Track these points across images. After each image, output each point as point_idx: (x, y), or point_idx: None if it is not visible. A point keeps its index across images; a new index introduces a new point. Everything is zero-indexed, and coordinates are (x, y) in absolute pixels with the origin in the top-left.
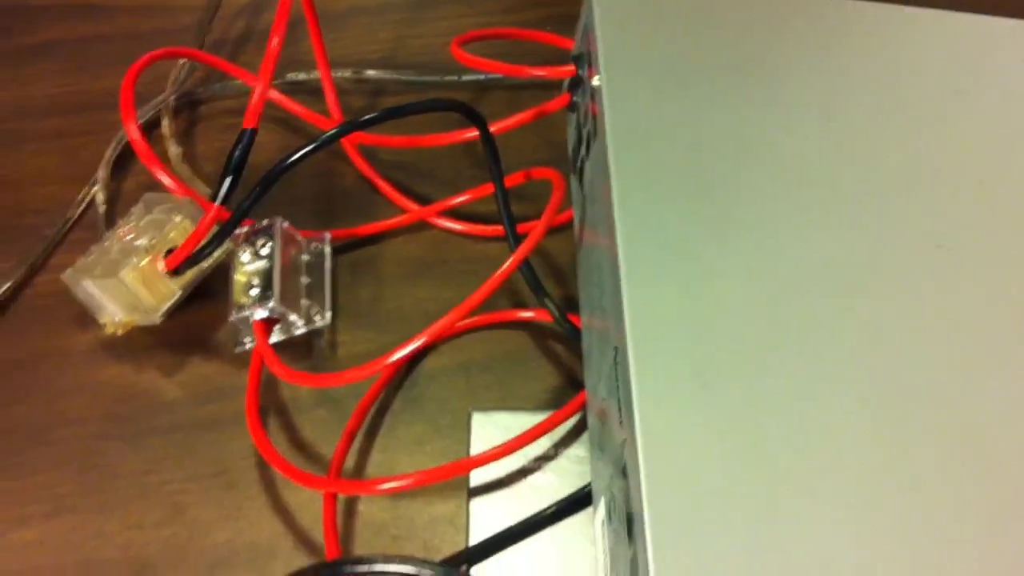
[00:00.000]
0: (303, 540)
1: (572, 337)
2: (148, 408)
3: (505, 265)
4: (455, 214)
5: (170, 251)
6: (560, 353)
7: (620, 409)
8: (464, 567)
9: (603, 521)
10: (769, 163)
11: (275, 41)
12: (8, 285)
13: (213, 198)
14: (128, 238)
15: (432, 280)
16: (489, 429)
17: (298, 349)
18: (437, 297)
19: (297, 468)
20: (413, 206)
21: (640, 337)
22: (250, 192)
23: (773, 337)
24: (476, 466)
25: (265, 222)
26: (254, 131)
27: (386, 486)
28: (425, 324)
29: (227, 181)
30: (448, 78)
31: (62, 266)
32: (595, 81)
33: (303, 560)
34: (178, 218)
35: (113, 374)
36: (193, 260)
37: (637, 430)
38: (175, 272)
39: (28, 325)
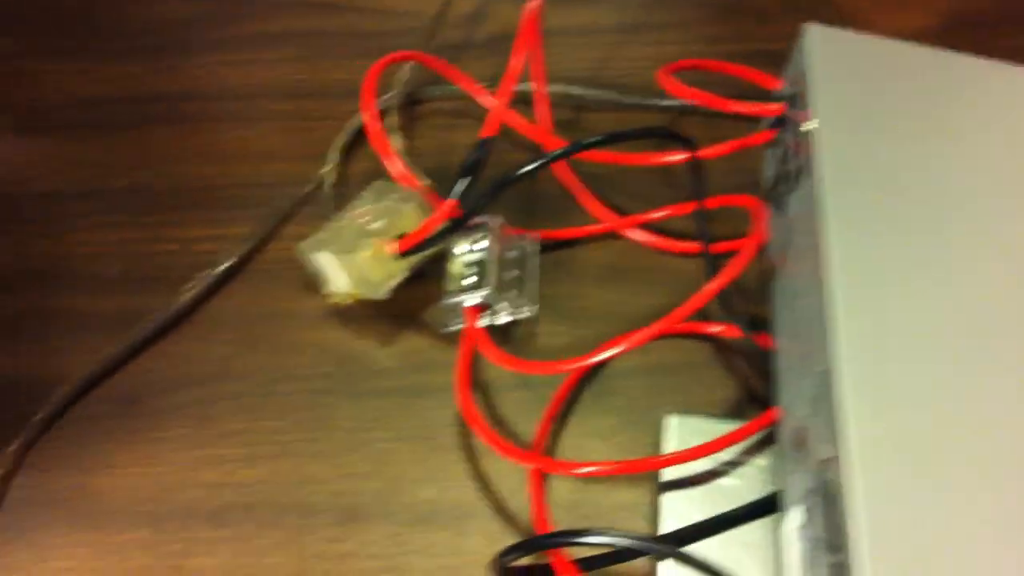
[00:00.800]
0: (500, 507)
1: (758, 354)
2: (364, 371)
3: (713, 282)
4: (646, 227)
5: (400, 236)
6: (740, 367)
7: (825, 429)
8: (675, 546)
9: (796, 528)
10: (972, 210)
11: (518, 60)
12: (246, 250)
13: (445, 194)
14: (363, 220)
15: (621, 286)
16: (683, 431)
17: (495, 336)
18: (627, 302)
19: (504, 440)
20: (611, 217)
21: (852, 363)
22: (481, 193)
23: (982, 364)
24: (676, 463)
25: (483, 218)
26: (493, 139)
27: (587, 470)
28: (615, 324)
29: (464, 181)
30: (649, 101)
31: (291, 236)
32: (808, 125)
33: (500, 525)
34: (408, 207)
35: (335, 338)
36: (422, 246)
37: (848, 449)
38: (403, 255)
39: (260, 287)
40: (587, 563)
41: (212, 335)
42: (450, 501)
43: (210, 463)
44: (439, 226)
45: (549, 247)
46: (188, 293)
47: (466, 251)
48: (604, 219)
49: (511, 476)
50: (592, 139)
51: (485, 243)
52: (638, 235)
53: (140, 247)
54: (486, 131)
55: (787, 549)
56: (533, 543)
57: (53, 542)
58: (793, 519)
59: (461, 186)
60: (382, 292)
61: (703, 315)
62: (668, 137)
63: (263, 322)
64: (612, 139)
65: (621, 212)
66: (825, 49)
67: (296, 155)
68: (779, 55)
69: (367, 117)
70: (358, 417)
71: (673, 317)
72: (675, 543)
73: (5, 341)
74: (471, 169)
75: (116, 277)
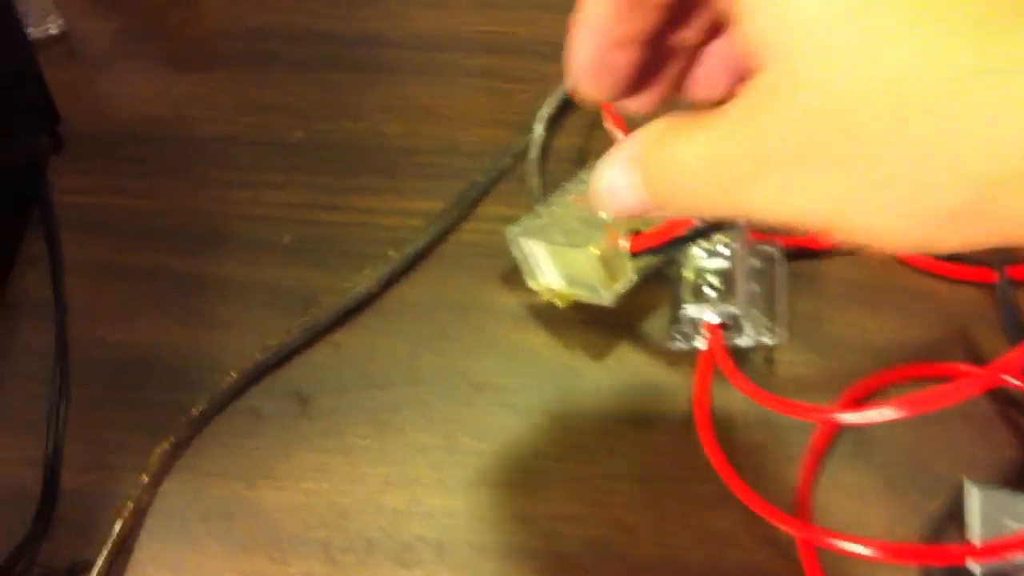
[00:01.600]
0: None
1: None
2: (572, 388)
3: None
4: None
5: (632, 231)
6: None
7: None
8: None
9: None
10: None
11: None
12: (438, 229)
13: None
14: (585, 207)
15: (878, 310)
16: (988, 506)
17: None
18: (884, 330)
19: (763, 499)
20: None
21: None
22: None
23: None
24: (1000, 554)
25: None
26: None
27: (863, 551)
28: (869, 357)
29: None
30: None
31: (487, 217)
32: None
33: None
34: None
35: (538, 344)
36: (660, 249)
37: None
38: (635, 255)
39: (452, 273)
40: None
41: (396, 328)
42: (679, 561)
43: (395, 485)
44: (687, 227)
45: (791, 256)
46: (370, 276)
47: (704, 256)
48: None
49: (755, 534)
50: None
51: (727, 249)
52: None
53: (316, 214)
54: None
55: None
56: None
57: (205, 565)
58: None
59: None
60: (608, 297)
61: (972, 353)
62: None
63: (455, 316)
64: None
65: None
66: None
67: (492, 121)
68: None
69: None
70: (566, 443)
71: (998, 367)
72: None
73: (156, 313)
74: None
75: (288, 247)
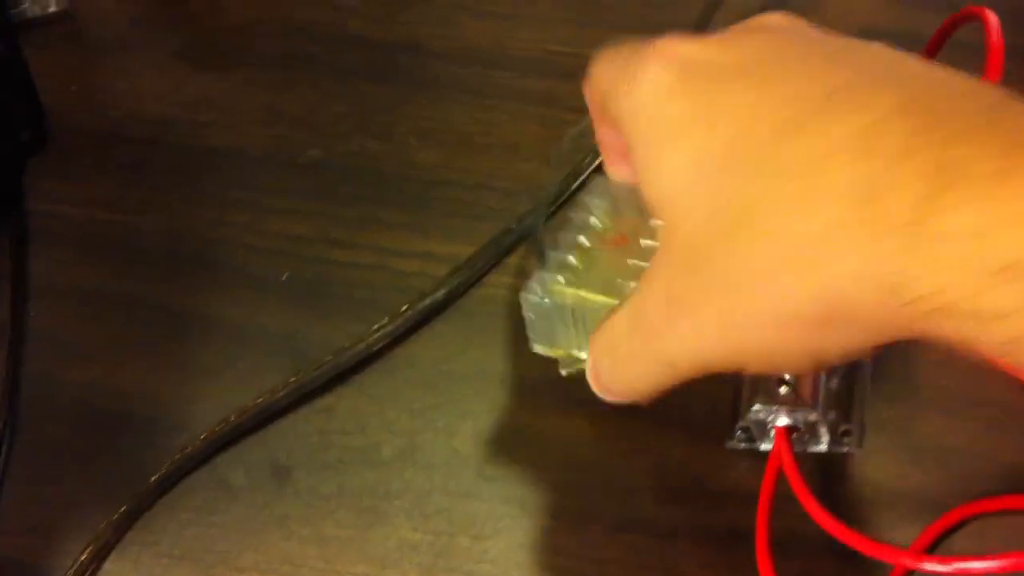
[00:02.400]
0: None
1: None
2: (591, 492)
3: None
4: None
5: None
6: None
7: None
8: None
9: None
10: None
11: None
12: (462, 279)
13: None
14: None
15: (975, 425)
16: None
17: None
18: (984, 442)
19: None
20: None
21: None
22: None
23: None
24: None
25: None
26: None
27: None
28: (962, 479)
29: None
30: None
31: (521, 269)
32: None
33: None
34: None
35: (566, 431)
36: None
37: None
38: None
39: (472, 333)
40: None
41: (399, 396)
42: None
43: None
44: None
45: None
46: (375, 330)
47: None
48: None
49: None
50: None
51: None
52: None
53: (323, 250)
54: None
55: None
56: None
57: None
58: None
59: None
60: None
61: None
62: None
63: (470, 387)
64: None
65: None
66: None
67: (538, 155)
68: None
69: None
70: (584, 557)
71: None
72: None
73: (128, 353)
74: None
75: (286, 286)
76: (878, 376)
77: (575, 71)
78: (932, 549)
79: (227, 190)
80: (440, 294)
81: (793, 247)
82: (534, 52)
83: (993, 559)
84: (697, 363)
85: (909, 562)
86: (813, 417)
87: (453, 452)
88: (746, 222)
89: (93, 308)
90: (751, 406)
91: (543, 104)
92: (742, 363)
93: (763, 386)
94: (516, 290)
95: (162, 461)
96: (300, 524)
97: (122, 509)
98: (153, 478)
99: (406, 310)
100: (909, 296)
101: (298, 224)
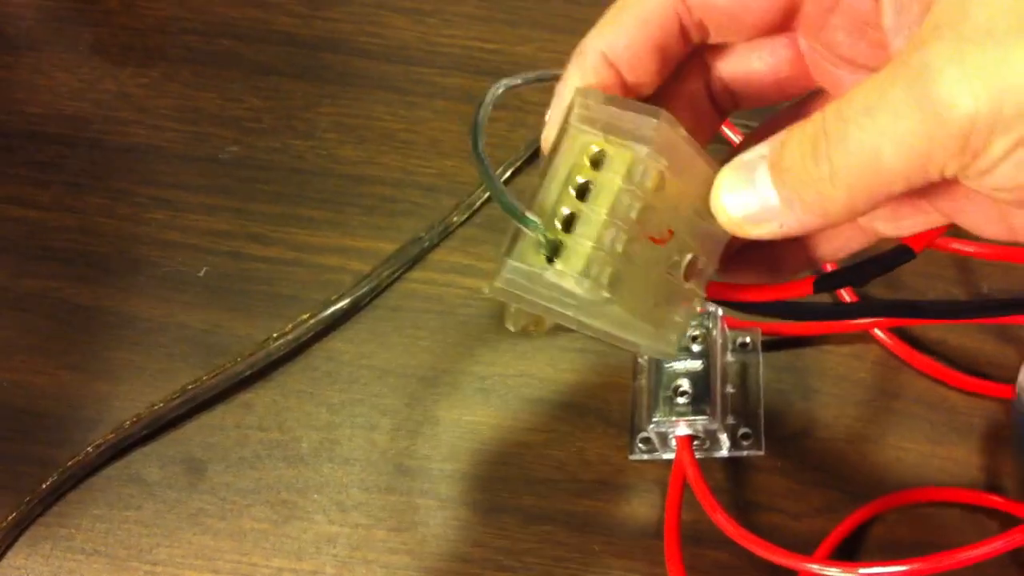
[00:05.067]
0: None
1: None
2: (507, 484)
3: None
4: (912, 339)
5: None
6: None
7: None
8: None
9: None
10: None
11: None
12: (385, 276)
13: None
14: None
15: (880, 417)
16: None
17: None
18: (891, 448)
19: None
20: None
21: None
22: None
23: None
24: None
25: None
26: None
27: None
28: (866, 474)
29: None
30: None
31: (442, 265)
32: None
33: None
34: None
35: (482, 424)
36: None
37: None
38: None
39: (393, 329)
40: None
41: (318, 391)
42: None
43: None
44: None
45: (771, 345)
46: (296, 325)
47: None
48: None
49: None
50: None
51: (700, 346)
52: (897, 345)
53: (243, 245)
54: None
55: None
56: None
57: None
58: None
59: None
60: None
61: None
62: None
63: (390, 383)
64: None
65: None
66: None
67: (458, 151)
68: None
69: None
70: (499, 549)
71: None
72: None
73: (41, 350)
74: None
75: (204, 282)
76: (777, 378)
77: (499, 68)
78: (841, 547)
79: (144, 187)
80: (361, 290)
81: None
82: (458, 49)
83: (898, 564)
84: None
85: (814, 568)
86: (712, 424)
87: (372, 446)
88: None
89: (3, 306)
90: (651, 417)
91: (466, 101)
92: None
93: (662, 397)
94: (438, 285)
95: (74, 457)
96: (215, 519)
97: (26, 499)
98: (59, 472)
99: (326, 306)
100: None
101: (217, 220)
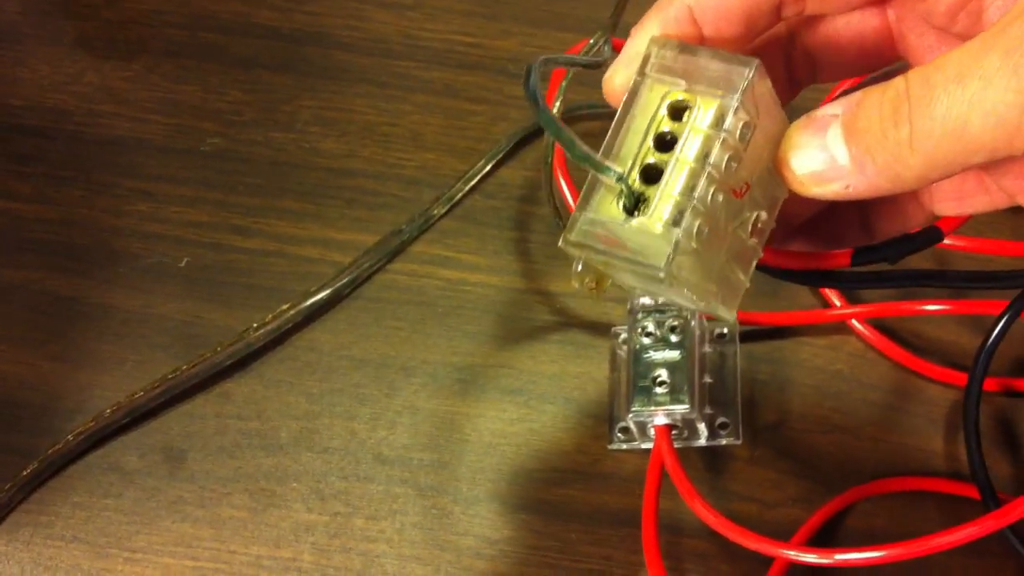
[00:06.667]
0: None
1: None
2: (485, 472)
3: None
4: (889, 330)
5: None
6: None
7: None
8: None
9: None
10: None
11: None
12: (364, 268)
13: None
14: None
15: (857, 408)
16: None
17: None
18: (867, 438)
19: None
20: (837, 301)
21: None
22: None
23: None
24: None
25: None
26: None
27: None
28: (840, 462)
29: None
30: None
31: (422, 257)
32: None
33: None
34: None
35: (460, 414)
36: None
37: None
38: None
39: (372, 320)
40: None
41: (298, 381)
42: None
43: (267, 570)
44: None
45: (748, 336)
46: (275, 316)
47: (650, 339)
48: (829, 304)
49: None
50: None
51: (678, 335)
52: (875, 336)
53: (224, 236)
54: None
55: None
56: None
57: None
58: None
59: None
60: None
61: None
62: None
63: (369, 373)
64: None
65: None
66: None
67: (439, 144)
68: None
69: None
70: (478, 536)
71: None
72: None
73: (21, 340)
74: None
75: (185, 274)
76: (754, 368)
77: (479, 62)
78: (818, 536)
79: (126, 179)
80: (341, 281)
81: None
82: (439, 43)
83: (873, 550)
84: None
85: (791, 555)
86: (690, 414)
87: (351, 435)
88: None
89: None
90: (630, 407)
91: (447, 95)
92: None
93: (640, 387)
94: (417, 276)
95: (54, 446)
96: (194, 507)
97: (7, 487)
98: (39, 461)
99: (306, 296)
100: None
101: (198, 212)
